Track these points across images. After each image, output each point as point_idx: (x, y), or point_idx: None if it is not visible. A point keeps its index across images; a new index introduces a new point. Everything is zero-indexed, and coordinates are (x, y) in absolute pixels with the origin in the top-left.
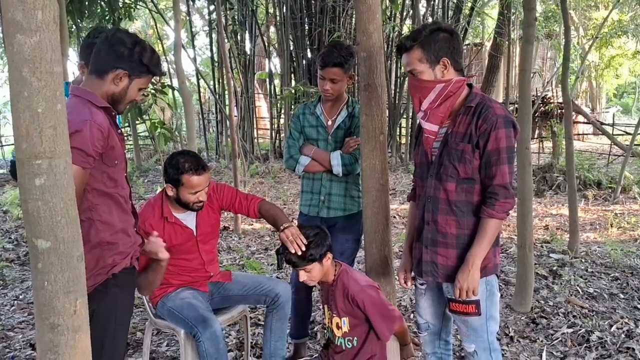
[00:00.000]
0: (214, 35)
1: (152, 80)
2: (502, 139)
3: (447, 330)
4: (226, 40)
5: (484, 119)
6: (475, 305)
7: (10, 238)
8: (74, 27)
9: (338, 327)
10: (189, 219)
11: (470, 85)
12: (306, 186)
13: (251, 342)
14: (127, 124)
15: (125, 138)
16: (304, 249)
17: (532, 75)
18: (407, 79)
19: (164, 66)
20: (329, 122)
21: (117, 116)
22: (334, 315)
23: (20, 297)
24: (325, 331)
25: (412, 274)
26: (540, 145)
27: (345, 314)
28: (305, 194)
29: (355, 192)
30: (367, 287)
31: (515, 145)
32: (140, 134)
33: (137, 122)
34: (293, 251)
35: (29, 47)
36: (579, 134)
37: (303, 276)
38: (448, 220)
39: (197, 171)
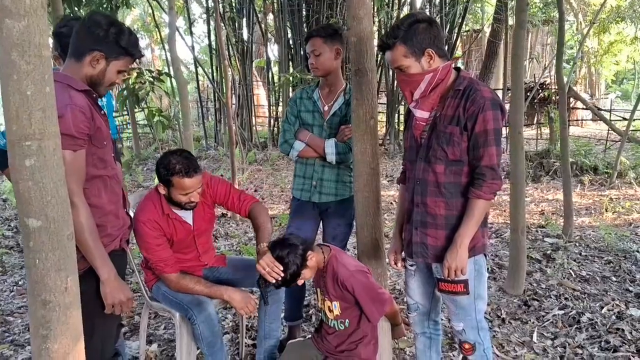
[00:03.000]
0: (211, 23)
1: (147, 68)
2: (490, 121)
3: (436, 311)
4: (223, 28)
5: (471, 101)
6: (464, 285)
7: (9, 226)
8: (71, 15)
9: (330, 310)
10: (186, 215)
11: (457, 69)
12: (299, 171)
13: (246, 325)
14: (125, 112)
15: (124, 126)
16: (281, 275)
17: (530, 60)
18: None
19: (162, 54)
20: (325, 108)
21: (108, 99)
22: (326, 298)
23: (20, 283)
24: (320, 313)
25: (402, 255)
26: (539, 131)
27: (336, 298)
28: (297, 178)
29: (347, 177)
30: (356, 272)
31: (503, 128)
32: (139, 122)
33: (135, 110)
34: (273, 281)
35: (17, 31)
36: (577, 120)
37: (301, 282)
38: (437, 201)
39: (187, 174)
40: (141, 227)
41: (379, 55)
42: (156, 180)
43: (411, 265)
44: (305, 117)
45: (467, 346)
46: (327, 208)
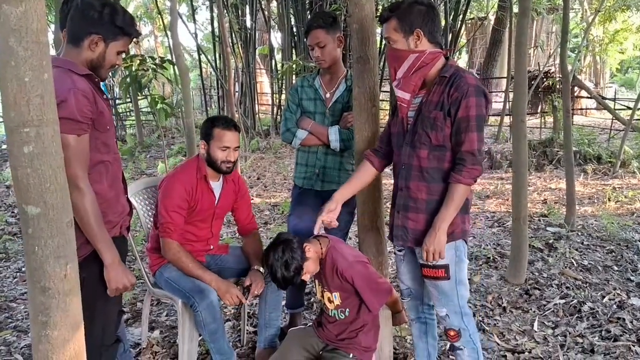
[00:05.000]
0: (214, 10)
1: (150, 55)
2: (472, 107)
3: (429, 295)
4: (226, 15)
5: (455, 87)
6: (445, 270)
7: (13, 212)
8: None
9: (330, 301)
10: (216, 188)
11: (447, 58)
12: (301, 159)
13: (248, 312)
14: (128, 100)
15: (127, 114)
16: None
17: (534, 49)
18: None
19: (165, 41)
20: (327, 95)
21: (102, 83)
22: (325, 290)
23: (23, 269)
24: (320, 303)
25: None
26: (542, 120)
27: (335, 289)
28: (299, 166)
29: (350, 165)
30: (355, 262)
31: (486, 115)
32: (142, 110)
33: (138, 97)
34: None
35: (15, 17)
36: (581, 109)
37: (306, 277)
38: (420, 186)
39: (227, 126)
40: (175, 182)
41: (382, 43)
42: (159, 168)
43: (400, 250)
44: (306, 105)
45: (452, 333)
46: (329, 196)
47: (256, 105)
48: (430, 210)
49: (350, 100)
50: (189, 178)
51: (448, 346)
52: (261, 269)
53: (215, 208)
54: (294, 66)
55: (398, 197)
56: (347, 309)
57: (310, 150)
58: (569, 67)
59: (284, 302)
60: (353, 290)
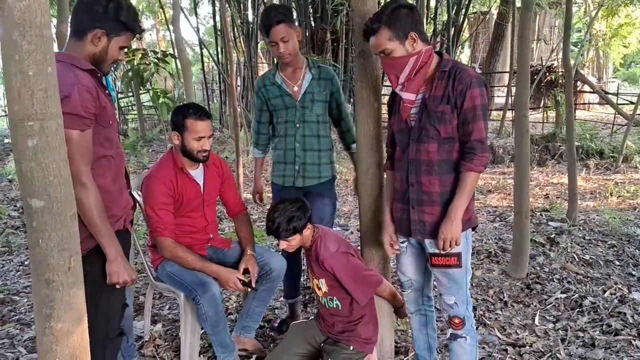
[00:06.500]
0: (216, 4)
1: (152, 49)
2: (477, 97)
3: (428, 286)
4: (228, 9)
5: (459, 80)
6: (457, 258)
7: (15, 206)
8: None
9: (318, 288)
10: (197, 175)
11: (439, 53)
12: (277, 157)
13: None
14: (130, 94)
15: (129, 108)
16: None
17: (537, 43)
18: None
19: (167, 35)
20: (295, 88)
21: (106, 78)
22: (313, 277)
23: (26, 262)
24: (313, 293)
25: (392, 235)
26: (545, 115)
27: (321, 276)
28: (278, 164)
29: (328, 158)
30: (336, 253)
31: (487, 103)
32: (144, 104)
33: (140, 91)
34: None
35: (18, 11)
36: (584, 104)
37: (283, 244)
38: (431, 179)
39: (200, 116)
40: (154, 181)
41: None
42: None
43: (402, 243)
44: (275, 103)
45: (457, 321)
46: (310, 191)
47: None
48: (445, 202)
49: (327, 89)
50: (166, 173)
51: (448, 335)
52: (254, 254)
53: (203, 195)
54: None
55: (410, 192)
56: (335, 298)
57: (287, 148)
58: (572, 62)
59: (282, 298)
60: (337, 280)
